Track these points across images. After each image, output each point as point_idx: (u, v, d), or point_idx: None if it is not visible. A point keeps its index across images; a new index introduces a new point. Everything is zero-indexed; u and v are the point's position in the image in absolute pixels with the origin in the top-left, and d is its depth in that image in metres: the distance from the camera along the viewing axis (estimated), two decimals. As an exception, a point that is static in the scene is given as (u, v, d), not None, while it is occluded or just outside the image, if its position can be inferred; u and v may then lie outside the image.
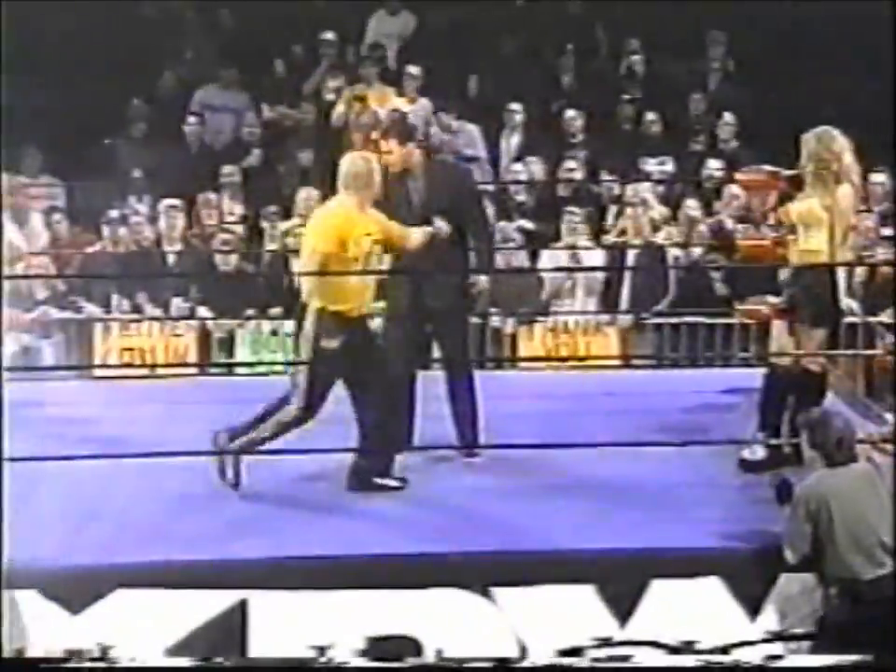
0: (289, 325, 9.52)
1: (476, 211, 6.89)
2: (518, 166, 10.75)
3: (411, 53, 11.55)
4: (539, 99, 11.27)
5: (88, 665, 4.43)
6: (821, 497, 5.31)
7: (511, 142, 11.05)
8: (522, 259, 9.89)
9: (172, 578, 5.36)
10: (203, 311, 9.68)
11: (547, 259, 9.84)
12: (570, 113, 11.01)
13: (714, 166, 10.54)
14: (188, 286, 9.81)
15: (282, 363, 9.29)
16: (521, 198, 10.54)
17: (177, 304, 9.76)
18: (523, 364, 9.25)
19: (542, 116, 11.18)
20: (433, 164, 6.86)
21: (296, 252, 9.84)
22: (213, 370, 9.27)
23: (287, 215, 10.21)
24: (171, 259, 9.93)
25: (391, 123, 10.65)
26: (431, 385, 6.74)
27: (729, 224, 9.85)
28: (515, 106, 11.00)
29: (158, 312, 9.71)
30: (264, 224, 10.23)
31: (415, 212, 6.60)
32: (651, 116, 11.01)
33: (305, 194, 10.18)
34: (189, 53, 11.81)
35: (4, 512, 5.03)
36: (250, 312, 9.66)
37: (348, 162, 6.32)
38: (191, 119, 11.20)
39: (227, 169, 10.70)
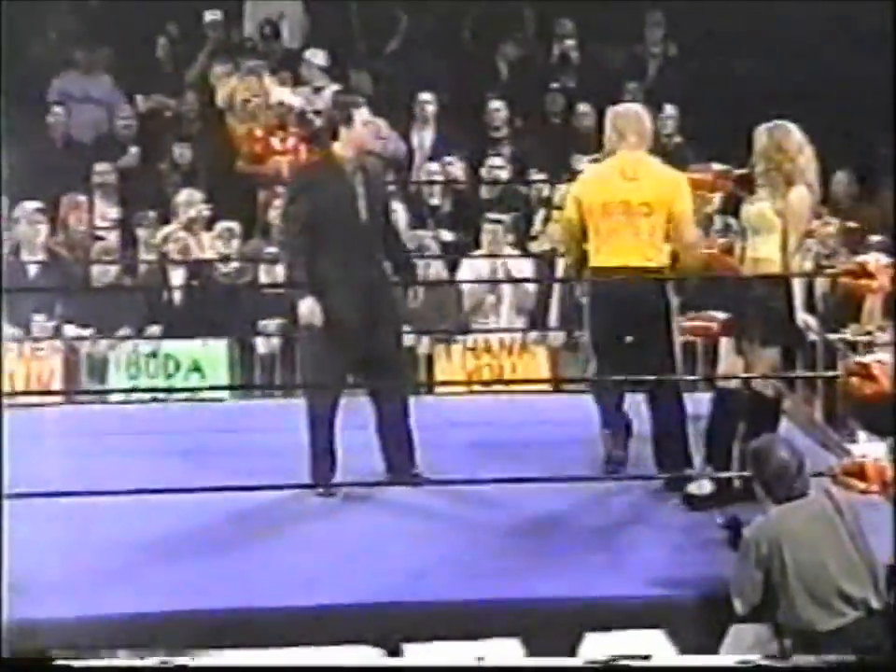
0: (169, 345, 9.48)
1: (389, 215, 6.97)
2: (433, 166, 10.76)
3: (309, 37, 11.56)
4: (456, 88, 11.31)
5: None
6: (774, 539, 5.34)
7: (424, 137, 11.06)
8: (438, 269, 9.90)
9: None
10: (70, 329, 9.59)
11: (467, 269, 9.86)
12: (494, 104, 11.06)
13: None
14: (52, 301, 9.71)
15: (162, 390, 9.24)
16: (436, 201, 10.56)
17: (40, 322, 9.65)
18: (439, 389, 9.28)
19: (460, 107, 11.22)
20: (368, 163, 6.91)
21: (175, 262, 9.83)
22: (82, 397, 9.19)
23: (166, 219, 10.17)
24: (32, 269, 9.82)
25: (288, 119, 10.65)
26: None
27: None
28: (427, 97, 11.02)
29: (16, 331, 9.58)
30: (140, 231, 10.14)
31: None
32: (583, 108, 11.09)
33: (187, 196, 10.13)
34: (52, 33, 11.76)
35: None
36: (126, 331, 9.60)
37: (633, 113, 6.73)
38: (55, 110, 11.13)
39: (100, 167, 10.64)
